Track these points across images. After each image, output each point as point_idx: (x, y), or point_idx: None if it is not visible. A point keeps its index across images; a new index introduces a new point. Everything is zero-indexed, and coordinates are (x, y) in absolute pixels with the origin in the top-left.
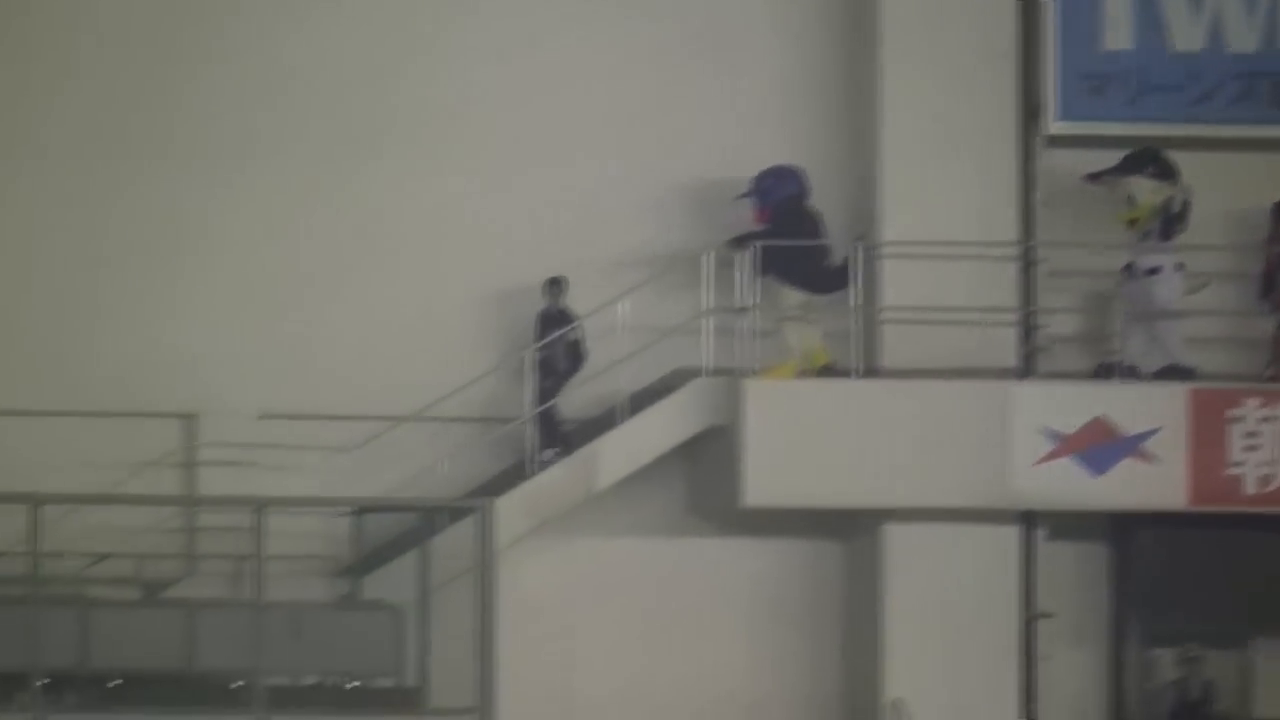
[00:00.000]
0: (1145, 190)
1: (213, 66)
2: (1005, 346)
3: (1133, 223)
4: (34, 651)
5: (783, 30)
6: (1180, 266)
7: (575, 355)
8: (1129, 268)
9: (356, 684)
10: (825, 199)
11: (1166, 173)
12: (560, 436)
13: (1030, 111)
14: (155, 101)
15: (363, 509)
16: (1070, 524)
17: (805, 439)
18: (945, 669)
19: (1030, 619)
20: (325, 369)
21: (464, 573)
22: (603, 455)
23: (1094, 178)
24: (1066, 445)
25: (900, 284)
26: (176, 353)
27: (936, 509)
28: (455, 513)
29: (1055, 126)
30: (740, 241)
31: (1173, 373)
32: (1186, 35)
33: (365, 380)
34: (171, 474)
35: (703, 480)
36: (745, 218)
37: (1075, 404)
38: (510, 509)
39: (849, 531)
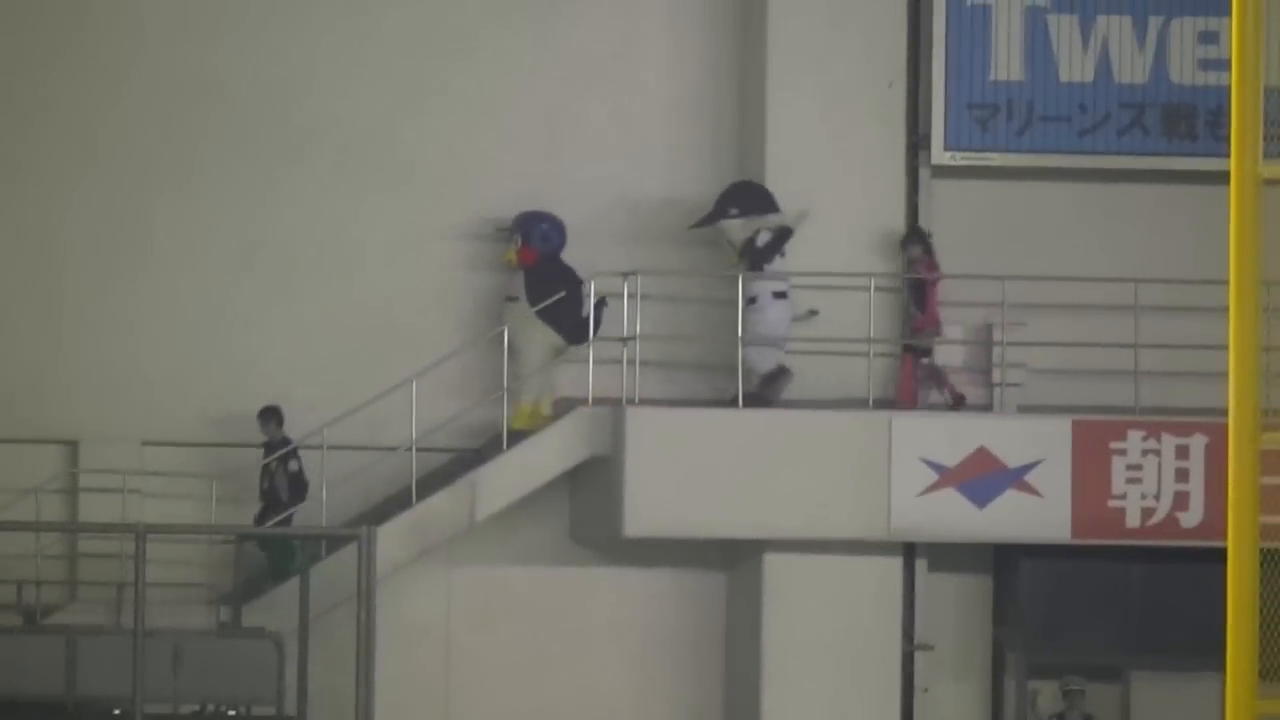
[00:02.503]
0: (735, 230)
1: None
2: (890, 378)
3: (738, 264)
4: None
5: (674, 51)
6: (781, 295)
7: (298, 485)
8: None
9: (236, 712)
10: (710, 229)
11: (751, 208)
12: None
13: (918, 141)
14: (36, 119)
15: (243, 537)
16: (953, 555)
17: (686, 469)
18: (825, 700)
19: (911, 651)
20: (208, 395)
21: (345, 600)
22: (485, 484)
23: (693, 227)
24: (949, 477)
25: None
26: (58, 379)
27: (818, 540)
28: (336, 540)
29: (943, 156)
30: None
31: (764, 388)
32: (1075, 66)
33: (248, 407)
34: (52, 500)
35: (585, 510)
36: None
37: (958, 435)
38: (392, 537)
39: (731, 562)
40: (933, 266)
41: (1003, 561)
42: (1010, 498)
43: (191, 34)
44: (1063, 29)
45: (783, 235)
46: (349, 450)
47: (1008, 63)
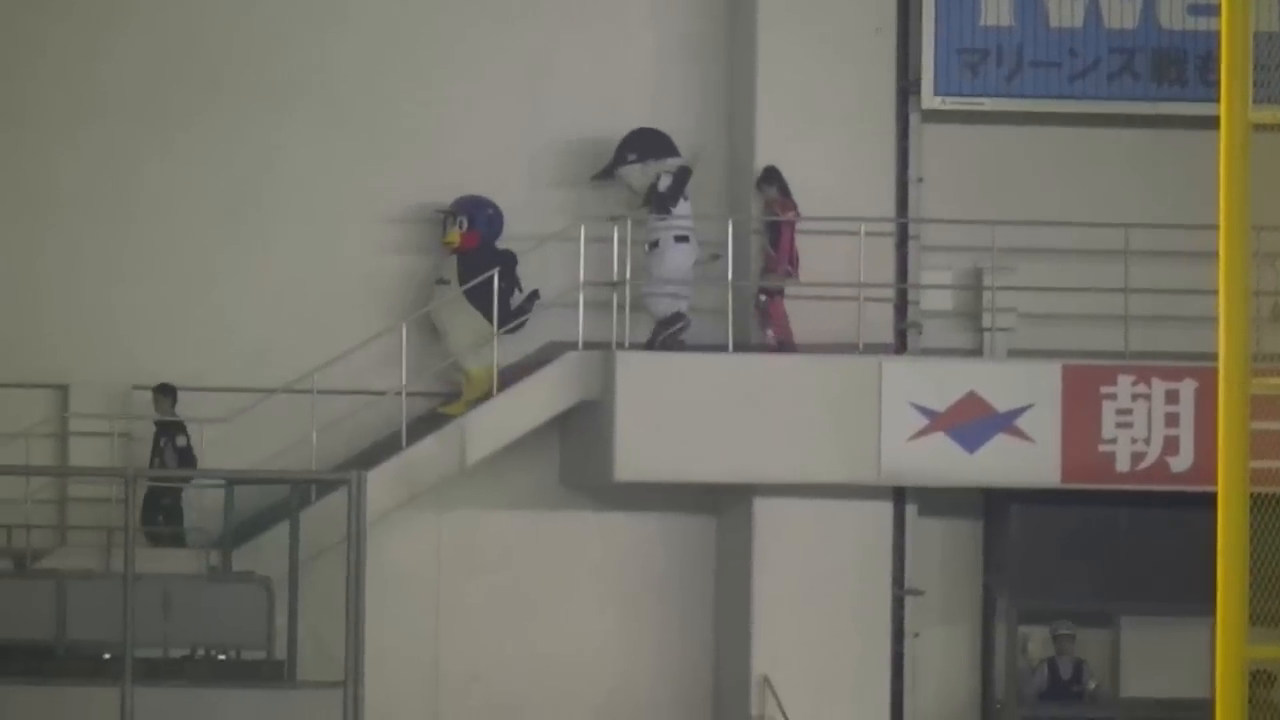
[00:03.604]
0: (635, 176)
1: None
2: (881, 323)
3: (641, 209)
4: None
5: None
6: (683, 239)
7: (187, 461)
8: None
9: (226, 656)
10: (702, 169)
11: (650, 152)
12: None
13: (908, 86)
14: (26, 64)
15: (233, 481)
16: (943, 500)
17: (676, 414)
18: (815, 645)
19: (900, 595)
20: (197, 340)
21: (334, 546)
22: (474, 429)
23: (594, 178)
24: (939, 421)
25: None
26: (47, 323)
27: (808, 485)
28: (326, 485)
29: (933, 101)
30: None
31: (659, 333)
32: (1065, 11)
33: (237, 351)
34: (42, 444)
35: (575, 454)
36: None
37: (948, 380)
38: (381, 482)
39: (720, 506)
40: (788, 207)
41: (993, 506)
42: (1000, 442)
43: None
44: None
45: (683, 177)
46: (337, 395)
47: (997, 8)
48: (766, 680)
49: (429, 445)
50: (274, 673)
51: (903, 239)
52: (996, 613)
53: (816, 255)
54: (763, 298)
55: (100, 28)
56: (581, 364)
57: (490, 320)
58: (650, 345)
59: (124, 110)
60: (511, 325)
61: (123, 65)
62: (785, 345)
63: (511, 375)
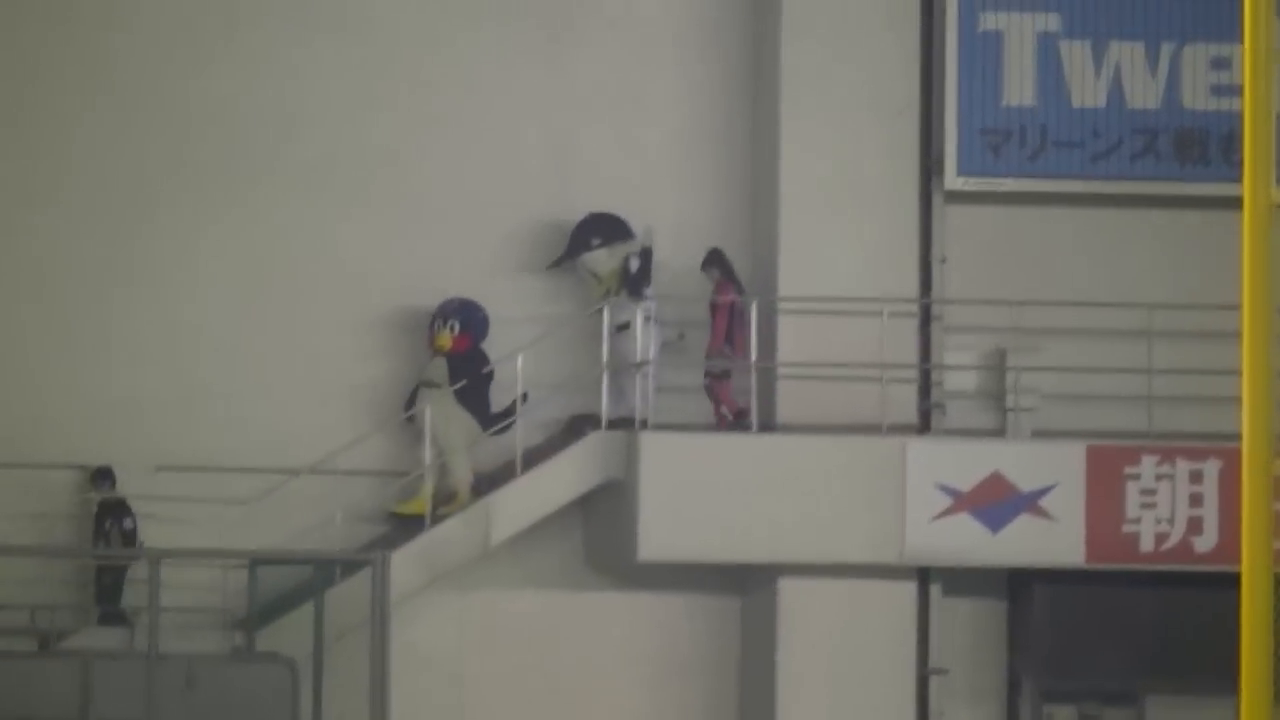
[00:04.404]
0: (601, 261)
1: (106, 105)
2: (904, 403)
3: (605, 295)
4: None
5: (684, 81)
6: (650, 320)
7: (131, 545)
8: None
9: None
10: (726, 251)
11: (613, 236)
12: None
13: (930, 167)
14: (46, 142)
15: (257, 561)
16: (967, 580)
17: (701, 493)
18: None
19: (925, 675)
20: (221, 421)
21: (359, 626)
22: (499, 509)
23: (552, 265)
24: (963, 501)
25: (797, 339)
26: (73, 404)
27: (833, 565)
28: (350, 566)
29: (955, 182)
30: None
31: (623, 423)
32: (1087, 91)
33: (262, 433)
34: (67, 525)
35: (599, 534)
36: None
37: (972, 460)
38: (405, 563)
39: (745, 586)
40: (727, 289)
41: (1017, 586)
42: (1024, 522)
43: (201, 57)
44: (1075, 55)
45: (649, 258)
46: (359, 476)
47: (1020, 88)
48: None
49: (453, 526)
50: None
51: (926, 319)
52: (1021, 693)
53: (839, 336)
54: (706, 381)
55: (126, 106)
56: (605, 444)
57: (479, 421)
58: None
59: (143, 190)
60: (500, 427)
61: (149, 145)
62: (739, 418)
63: (533, 455)
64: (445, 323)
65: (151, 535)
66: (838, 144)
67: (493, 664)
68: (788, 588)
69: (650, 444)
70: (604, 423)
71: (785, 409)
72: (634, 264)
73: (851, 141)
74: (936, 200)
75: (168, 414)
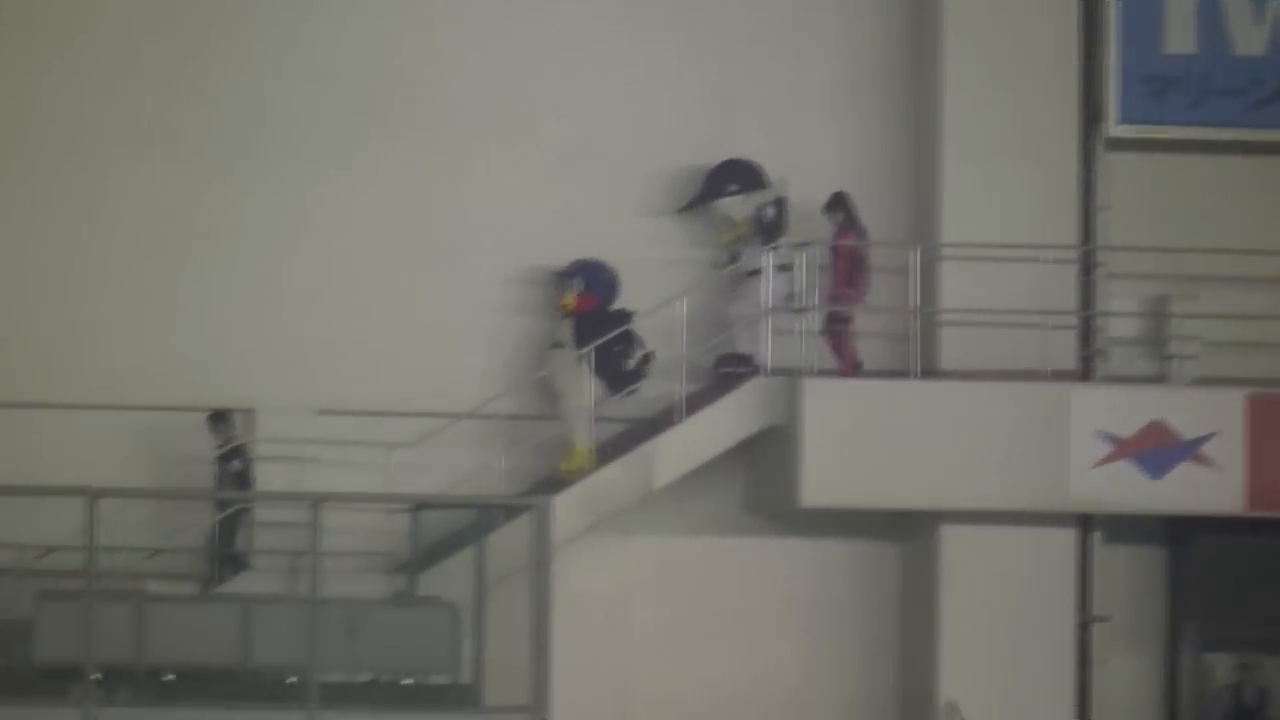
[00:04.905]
0: (735, 207)
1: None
2: (1064, 350)
3: (736, 241)
4: (89, 646)
5: (847, 29)
6: (784, 268)
7: (243, 488)
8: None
9: (411, 681)
10: (886, 200)
11: (749, 184)
12: (241, 564)
13: (1092, 114)
14: (204, 94)
15: (420, 505)
16: (1127, 527)
17: (863, 440)
18: (1000, 672)
19: (1086, 622)
20: (384, 364)
21: (520, 570)
22: (660, 454)
23: (685, 209)
24: (1124, 448)
25: (959, 286)
26: (235, 348)
27: (993, 511)
28: (512, 510)
29: (1116, 129)
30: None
31: (731, 360)
32: (1248, 39)
33: (424, 376)
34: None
35: (760, 479)
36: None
37: (1133, 407)
38: (567, 507)
39: (905, 533)
40: (851, 233)
41: (1177, 534)
42: (1185, 470)
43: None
44: (1235, 3)
45: (783, 207)
46: (523, 420)
47: (1181, 35)
48: (953, 706)
49: (615, 471)
50: (460, 698)
51: (1087, 266)
52: (1182, 640)
53: (1001, 283)
54: (825, 327)
55: (284, 58)
56: (768, 389)
57: (606, 383)
58: (724, 362)
59: (309, 143)
60: (626, 389)
61: (297, 101)
62: (854, 372)
63: (694, 402)
64: (569, 282)
65: (311, 480)
66: (1000, 92)
67: (653, 609)
68: (949, 534)
69: (813, 389)
70: (766, 369)
71: (947, 355)
72: (769, 212)
73: (1013, 89)
74: (1098, 148)
75: (329, 359)
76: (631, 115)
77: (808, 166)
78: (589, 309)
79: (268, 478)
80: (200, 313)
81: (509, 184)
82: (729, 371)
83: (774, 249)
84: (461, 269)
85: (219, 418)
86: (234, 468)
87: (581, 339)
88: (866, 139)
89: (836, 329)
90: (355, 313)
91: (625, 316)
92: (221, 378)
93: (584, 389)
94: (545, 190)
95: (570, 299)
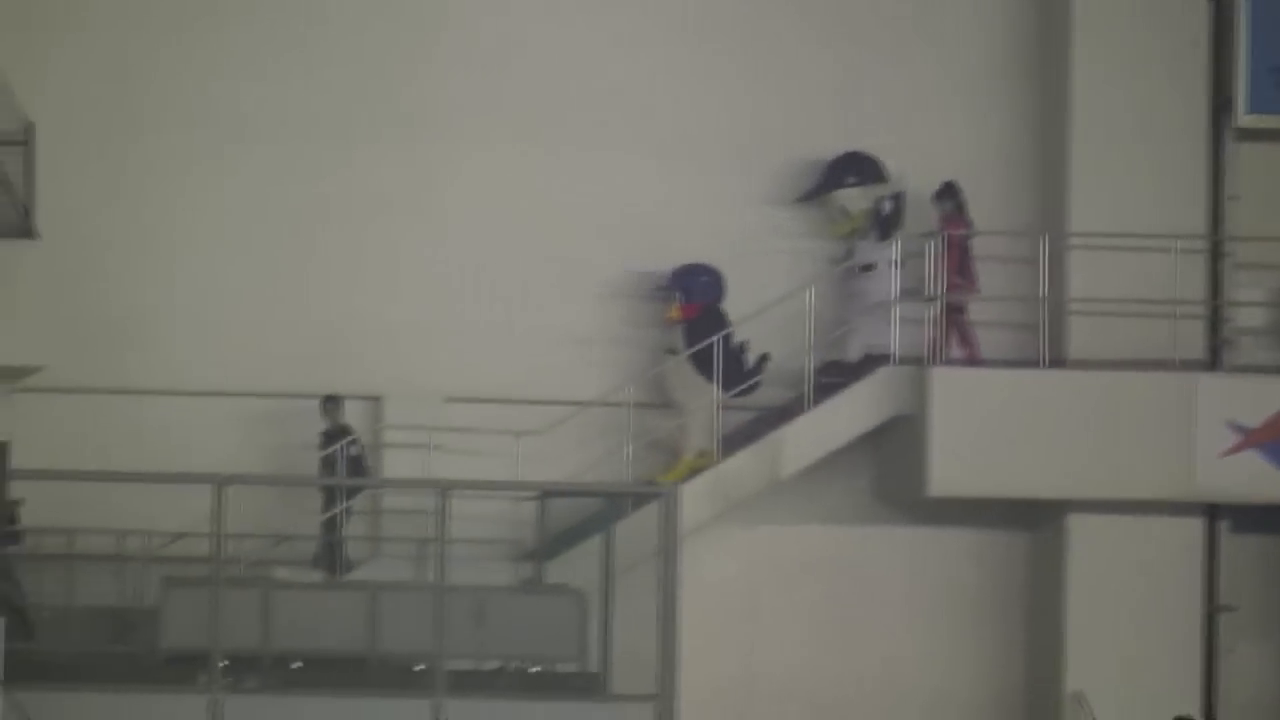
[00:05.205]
0: (854, 199)
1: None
2: (1192, 339)
3: (851, 233)
4: (216, 633)
5: (972, 20)
6: (897, 264)
7: (358, 470)
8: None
9: (538, 669)
10: (1010, 190)
11: (869, 177)
12: (344, 564)
13: (1221, 104)
14: (335, 80)
15: (547, 493)
16: (1254, 517)
17: (990, 429)
18: (1127, 661)
19: (1213, 612)
20: (511, 352)
21: (647, 558)
22: (788, 442)
23: (803, 199)
24: (1251, 438)
25: (1087, 275)
26: (363, 336)
27: (1121, 500)
28: (639, 498)
29: (1245, 119)
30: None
31: (833, 369)
32: None
33: (551, 364)
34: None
35: (887, 469)
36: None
37: (1261, 397)
38: (695, 495)
39: (1032, 522)
40: (960, 223)
41: None
42: None
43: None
44: None
45: (901, 201)
46: (649, 409)
47: None
48: (1080, 697)
49: (744, 459)
50: (587, 685)
51: (1215, 256)
52: None
53: (1129, 272)
54: (958, 315)
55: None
56: (896, 379)
57: (720, 386)
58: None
59: (445, 133)
60: (742, 389)
61: (448, 86)
62: (974, 363)
63: (823, 392)
64: (672, 294)
65: (439, 467)
66: (1128, 81)
67: (779, 597)
68: (1076, 524)
69: (941, 379)
70: (895, 359)
71: (1074, 344)
72: (887, 206)
73: (1142, 78)
74: (1227, 137)
75: (457, 347)
76: (754, 106)
77: (930, 157)
78: (694, 315)
79: (395, 465)
80: (329, 300)
81: (630, 174)
82: (829, 382)
83: (896, 241)
84: (584, 259)
85: (331, 401)
86: (352, 452)
87: (692, 344)
88: (991, 129)
89: (952, 318)
90: (484, 301)
91: (727, 321)
92: (349, 365)
93: (698, 398)
94: (665, 180)
95: (675, 311)
